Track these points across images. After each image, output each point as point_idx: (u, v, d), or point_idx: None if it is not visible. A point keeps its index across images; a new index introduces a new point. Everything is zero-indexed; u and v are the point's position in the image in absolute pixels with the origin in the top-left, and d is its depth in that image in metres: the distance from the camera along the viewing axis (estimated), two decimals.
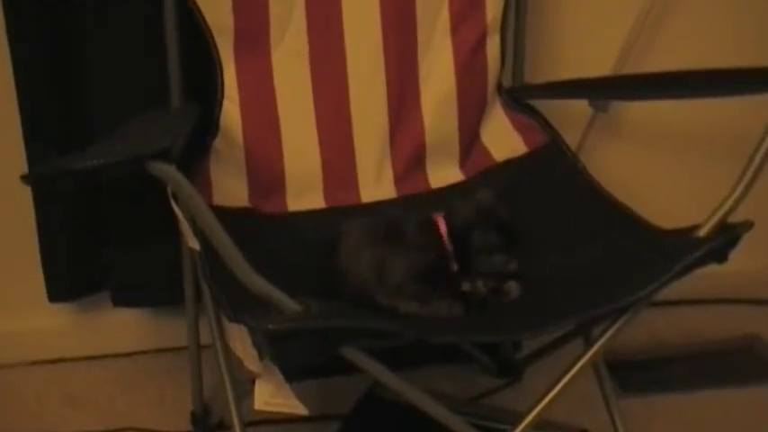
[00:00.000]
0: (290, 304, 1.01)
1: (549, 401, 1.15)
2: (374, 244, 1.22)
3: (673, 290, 1.12)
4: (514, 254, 1.24)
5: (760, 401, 1.70)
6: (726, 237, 1.13)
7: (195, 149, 1.40)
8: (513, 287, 1.23)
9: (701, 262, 1.11)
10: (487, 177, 1.49)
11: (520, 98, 1.54)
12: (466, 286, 1.22)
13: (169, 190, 1.15)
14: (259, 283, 1.01)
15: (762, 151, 1.13)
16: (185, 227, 1.19)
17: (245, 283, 1.01)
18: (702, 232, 1.14)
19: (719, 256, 1.14)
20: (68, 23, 1.55)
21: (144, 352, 1.86)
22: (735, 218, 1.14)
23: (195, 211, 1.02)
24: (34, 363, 1.83)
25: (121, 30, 1.54)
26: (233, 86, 1.43)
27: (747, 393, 1.73)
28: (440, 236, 1.22)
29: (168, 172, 0.96)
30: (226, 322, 1.17)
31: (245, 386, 1.19)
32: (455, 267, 1.22)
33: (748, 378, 1.79)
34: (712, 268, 1.14)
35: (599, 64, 1.73)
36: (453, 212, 1.25)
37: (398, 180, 1.50)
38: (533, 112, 1.52)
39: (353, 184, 1.49)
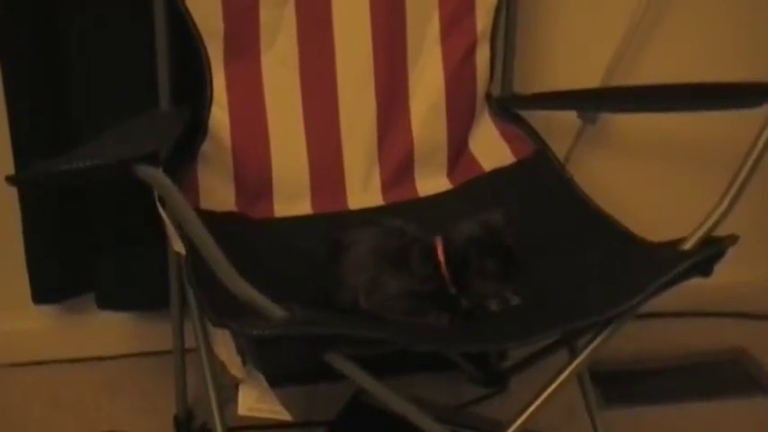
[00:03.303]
0: (274, 310, 1.01)
1: (533, 411, 1.15)
2: (378, 263, 1.22)
3: (658, 302, 1.12)
4: (514, 282, 1.23)
5: (744, 414, 1.71)
6: (711, 250, 1.14)
7: (183, 153, 1.40)
8: (493, 304, 1.23)
9: (686, 275, 1.12)
10: (475, 187, 1.50)
11: (508, 108, 1.54)
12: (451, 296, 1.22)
13: (156, 193, 1.15)
14: (244, 289, 1.01)
15: (747, 166, 1.13)
16: (171, 231, 1.19)
17: (230, 288, 1.01)
18: (688, 245, 1.15)
19: (704, 269, 1.14)
20: (58, 24, 1.54)
21: (128, 355, 1.85)
22: (721, 231, 1.15)
23: (181, 215, 1.01)
24: (18, 364, 1.82)
25: (111, 32, 1.54)
26: (222, 91, 1.43)
27: (732, 406, 1.73)
28: (438, 263, 1.22)
29: (155, 176, 0.96)
30: (210, 327, 1.17)
31: (229, 391, 1.19)
32: (452, 291, 1.22)
33: (733, 391, 1.79)
34: (698, 281, 1.14)
35: (588, 75, 1.74)
36: (453, 235, 1.24)
37: (386, 188, 1.51)
38: (522, 123, 1.52)
39: (341, 192, 1.49)
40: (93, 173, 0.96)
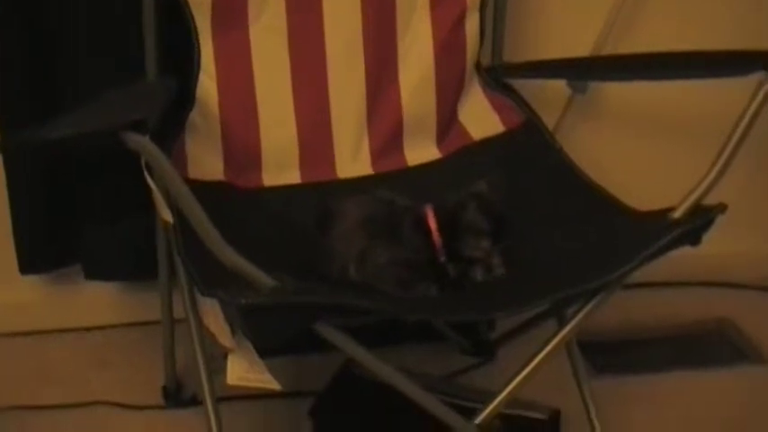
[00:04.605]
0: (264, 279, 1.01)
1: (522, 381, 1.15)
2: (369, 233, 1.22)
3: (646, 272, 1.12)
4: (501, 246, 1.23)
5: (730, 384, 1.72)
6: (699, 219, 1.14)
7: (171, 122, 1.39)
8: (478, 272, 1.23)
9: (675, 244, 1.12)
10: (464, 156, 1.49)
11: (498, 77, 1.54)
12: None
13: (143, 162, 1.14)
14: (233, 258, 1.00)
15: (737, 135, 1.13)
16: (159, 200, 1.19)
17: (219, 258, 1.00)
18: (676, 215, 1.15)
19: (693, 238, 1.14)
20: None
21: (116, 326, 1.85)
22: (710, 201, 1.15)
23: (169, 183, 1.01)
24: (5, 335, 1.81)
25: (98, 1, 1.52)
26: (210, 60, 1.42)
27: (718, 376, 1.74)
28: (429, 231, 1.22)
29: (142, 143, 0.95)
30: (199, 297, 1.17)
31: (218, 361, 1.19)
32: (442, 258, 1.22)
33: (719, 361, 1.80)
34: (686, 250, 1.15)
35: (578, 44, 1.73)
36: (443, 203, 1.24)
37: (375, 157, 1.50)
38: (511, 92, 1.52)
39: (330, 161, 1.49)
40: (81, 140, 0.96)
